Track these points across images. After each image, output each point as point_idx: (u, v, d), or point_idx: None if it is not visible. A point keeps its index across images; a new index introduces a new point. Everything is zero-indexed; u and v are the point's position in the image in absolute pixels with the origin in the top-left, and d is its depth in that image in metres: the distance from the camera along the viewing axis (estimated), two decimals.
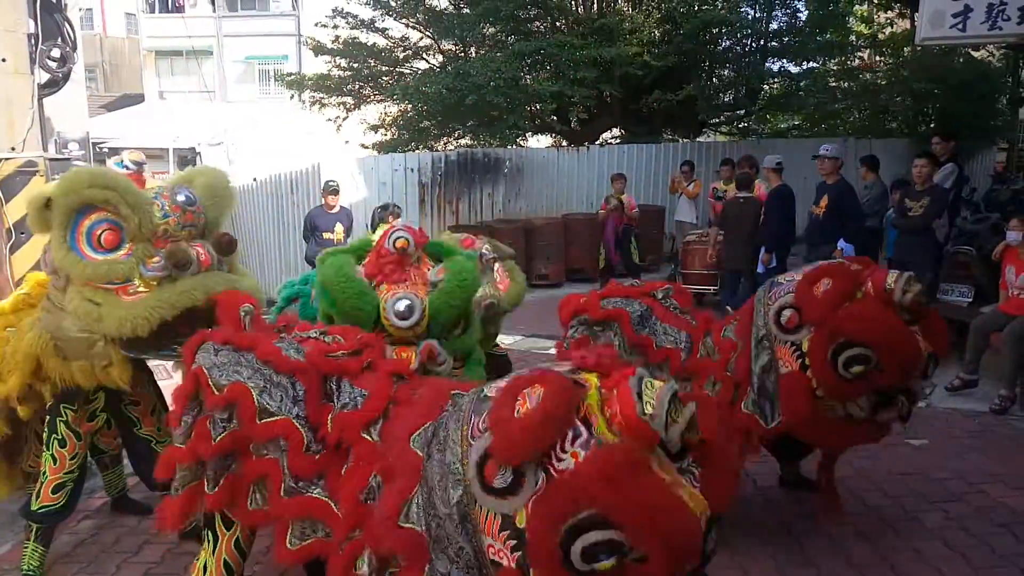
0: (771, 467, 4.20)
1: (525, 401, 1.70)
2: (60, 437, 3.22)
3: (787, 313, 3.15)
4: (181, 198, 3.00)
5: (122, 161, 3.18)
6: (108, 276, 2.83)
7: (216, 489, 2.29)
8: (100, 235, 2.85)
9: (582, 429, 1.65)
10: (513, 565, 1.70)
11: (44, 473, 3.24)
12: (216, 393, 2.27)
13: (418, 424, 2.05)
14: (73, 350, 2.98)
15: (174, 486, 2.37)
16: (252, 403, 2.24)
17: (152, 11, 30.57)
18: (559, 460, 1.64)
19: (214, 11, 30.06)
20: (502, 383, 1.85)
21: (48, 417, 3.24)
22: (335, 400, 2.30)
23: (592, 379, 1.72)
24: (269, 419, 2.23)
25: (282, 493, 2.21)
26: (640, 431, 1.61)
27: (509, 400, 1.73)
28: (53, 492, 3.22)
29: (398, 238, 2.89)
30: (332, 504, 2.16)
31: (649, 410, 1.61)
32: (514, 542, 1.69)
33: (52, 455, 3.21)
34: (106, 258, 2.84)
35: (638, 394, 1.63)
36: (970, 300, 6.49)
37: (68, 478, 3.25)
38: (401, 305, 2.76)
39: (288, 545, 2.21)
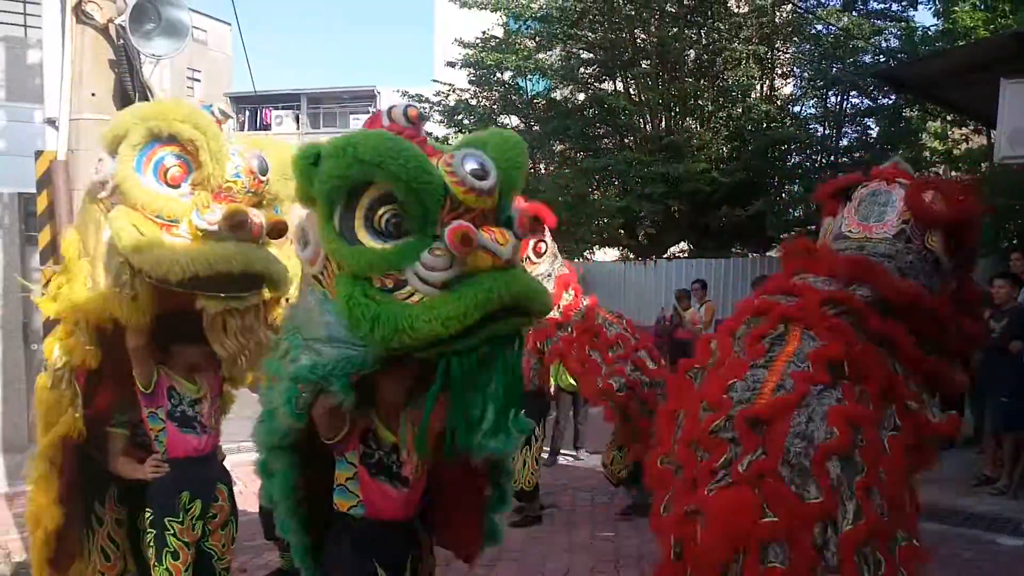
0: None
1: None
2: (172, 549, 3.11)
3: None
4: (256, 163, 2.96)
5: (211, 105, 3.01)
6: (161, 211, 2.78)
7: None
8: (169, 169, 2.81)
9: None
10: None
11: None
12: None
13: None
14: (109, 263, 2.89)
15: None
16: None
17: (242, 129, 32.78)
18: None
19: (298, 128, 32.03)
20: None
21: (152, 533, 3.14)
22: None
23: None
24: None
25: None
26: None
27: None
28: None
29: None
30: None
31: None
32: None
33: (167, 568, 3.10)
34: (166, 193, 2.80)
35: None
36: None
37: None
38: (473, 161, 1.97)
39: None
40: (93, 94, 4.85)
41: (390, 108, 2.13)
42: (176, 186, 2.81)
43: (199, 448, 3.23)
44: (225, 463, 3.57)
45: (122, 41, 4.78)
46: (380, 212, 1.94)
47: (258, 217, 2.88)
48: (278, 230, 2.98)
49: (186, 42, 4.90)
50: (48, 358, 3.26)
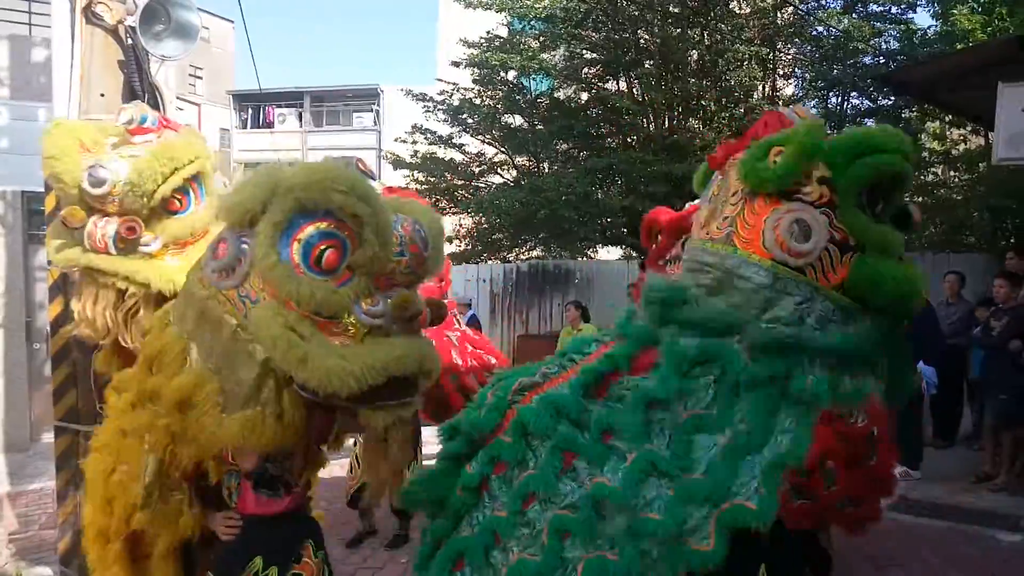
0: None
1: None
2: None
3: None
4: (420, 237, 2.35)
5: (354, 160, 2.49)
6: (319, 305, 2.15)
7: None
8: (323, 251, 2.16)
9: None
10: None
11: None
12: None
13: None
14: (239, 382, 2.26)
15: None
16: None
17: (244, 127, 32.80)
18: None
19: (301, 126, 32.06)
20: None
21: None
22: None
23: None
24: None
25: None
26: None
27: None
28: None
29: None
30: None
31: None
32: None
33: None
34: (322, 281, 2.16)
35: None
36: None
37: None
38: None
39: None
40: (102, 95, 4.89)
41: (793, 108, 2.36)
42: (331, 272, 2.18)
43: (279, 509, 2.74)
44: None
45: (131, 41, 4.83)
46: (879, 208, 2.16)
47: (422, 303, 2.38)
48: (440, 311, 2.58)
49: (195, 43, 4.94)
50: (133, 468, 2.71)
